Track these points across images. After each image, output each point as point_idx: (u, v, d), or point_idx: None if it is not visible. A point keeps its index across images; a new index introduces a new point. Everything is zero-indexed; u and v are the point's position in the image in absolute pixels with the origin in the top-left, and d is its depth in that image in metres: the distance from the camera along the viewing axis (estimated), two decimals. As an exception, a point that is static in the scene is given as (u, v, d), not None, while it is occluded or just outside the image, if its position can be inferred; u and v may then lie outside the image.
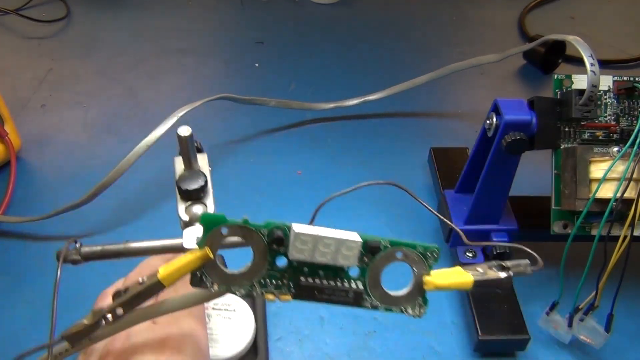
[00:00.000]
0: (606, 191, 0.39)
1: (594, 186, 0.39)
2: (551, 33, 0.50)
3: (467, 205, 0.47)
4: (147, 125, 0.52)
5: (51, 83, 0.67)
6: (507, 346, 0.43)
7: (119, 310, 0.25)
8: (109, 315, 0.25)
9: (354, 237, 0.24)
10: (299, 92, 0.67)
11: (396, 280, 0.26)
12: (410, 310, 0.26)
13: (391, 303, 0.26)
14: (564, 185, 0.42)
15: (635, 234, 0.38)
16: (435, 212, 0.31)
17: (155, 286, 0.24)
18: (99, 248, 0.29)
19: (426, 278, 0.25)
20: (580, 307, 0.41)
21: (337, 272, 0.25)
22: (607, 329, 0.41)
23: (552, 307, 0.42)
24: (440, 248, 0.25)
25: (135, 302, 0.25)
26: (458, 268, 0.26)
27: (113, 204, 0.53)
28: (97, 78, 0.68)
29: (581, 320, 0.41)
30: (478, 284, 0.25)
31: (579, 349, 0.44)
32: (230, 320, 0.40)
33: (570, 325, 0.42)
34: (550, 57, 0.71)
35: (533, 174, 0.48)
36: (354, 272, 0.25)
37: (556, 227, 0.43)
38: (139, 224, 0.52)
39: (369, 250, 0.25)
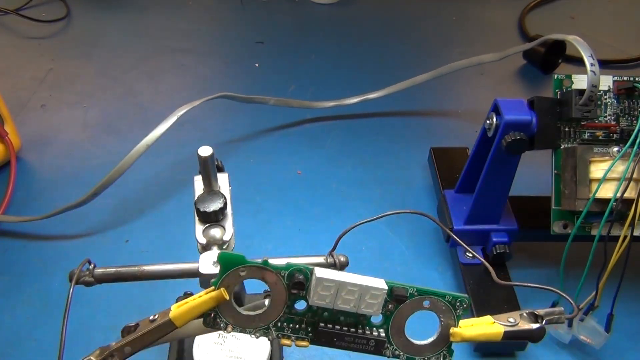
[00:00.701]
0: (606, 191, 0.39)
1: (594, 186, 0.39)
2: (551, 33, 0.50)
3: (467, 205, 0.47)
4: (147, 125, 0.52)
5: (51, 83, 0.67)
6: (507, 346, 0.43)
7: (127, 349, 0.24)
8: (116, 354, 0.24)
9: (380, 284, 0.23)
10: (299, 92, 0.67)
11: (414, 327, 0.25)
12: None
13: (414, 352, 0.24)
14: (564, 185, 0.42)
15: (635, 234, 0.38)
16: (443, 226, 0.31)
17: (167, 325, 0.23)
18: (112, 270, 0.28)
19: (453, 329, 0.24)
20: (580, 307, 0.41)
21: (359, 318, 0.24)
22: (607, 329, 0.41)
23: (552, 307, 0.42)
24: (470, 299, 0.24)
25: (145, 341, 0.24)
26: (488, 318, 0.25)
27: (113, 203, 0.53)
28: (97, 78, 0.68)
29: (581, 320, 0.41)
30: (508, 335, 0.24)
31: (579, 349, 0.44)
32: (243, 341, 0.38)
33: (570, 325, 0.42)
34: (550, 57, 0.71)
35: (533, 174, 0.47)
36: (376, 319, 0.24)
37: (556, 227, 0.43)
38: (138, 224, 0.51)
39: (395, 298, 0.23)
